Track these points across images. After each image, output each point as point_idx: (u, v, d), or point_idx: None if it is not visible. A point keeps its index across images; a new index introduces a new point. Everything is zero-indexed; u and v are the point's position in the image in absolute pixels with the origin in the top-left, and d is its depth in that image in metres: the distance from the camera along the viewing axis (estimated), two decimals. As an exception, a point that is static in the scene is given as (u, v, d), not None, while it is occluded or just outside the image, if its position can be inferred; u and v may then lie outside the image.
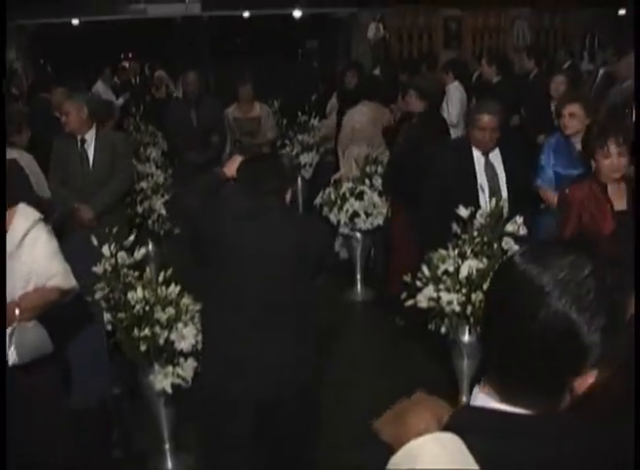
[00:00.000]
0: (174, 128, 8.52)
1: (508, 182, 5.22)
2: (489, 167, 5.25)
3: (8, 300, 3.44)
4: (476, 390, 1.47)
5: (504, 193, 5.18)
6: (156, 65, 15.31)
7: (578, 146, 5.17)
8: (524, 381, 1.37)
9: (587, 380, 1.35)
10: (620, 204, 4.28)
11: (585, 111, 5.44)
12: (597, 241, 4.20)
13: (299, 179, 9.70)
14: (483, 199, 5.11)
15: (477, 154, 5.26)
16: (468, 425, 1.39)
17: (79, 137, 5.94)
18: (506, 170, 5.23)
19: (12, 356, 3.41)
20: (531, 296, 1.32)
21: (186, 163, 8.14)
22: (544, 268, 1.33)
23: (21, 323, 3.45)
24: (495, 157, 5.27)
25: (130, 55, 17.12)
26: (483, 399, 1.44)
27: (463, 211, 4.77)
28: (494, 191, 5.17)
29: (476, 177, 5.23)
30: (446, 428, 1.40)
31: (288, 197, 3.75)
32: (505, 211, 4.88)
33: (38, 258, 3.55)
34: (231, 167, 3.90)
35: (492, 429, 1.38)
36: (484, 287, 4.45)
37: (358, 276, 7.49)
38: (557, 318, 1.29)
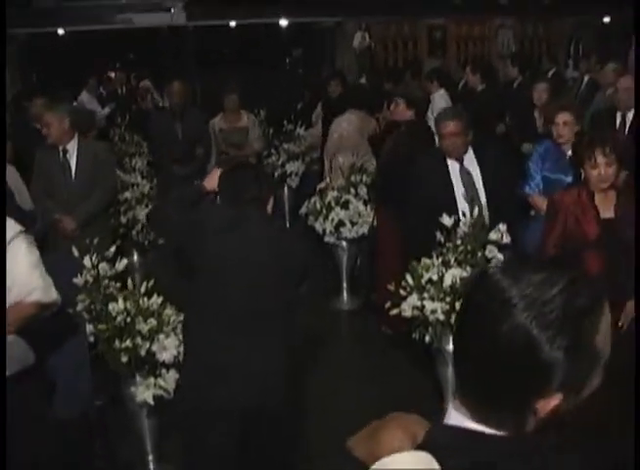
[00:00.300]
0: (159, 139, 8.27)
1: (485, 186, 5.23)
2: (464, 173, 5.27)
3: None
4: (450, 406, 1.45)
5: (482, 198, 5.20)
6: (141, 75, 15.27)
7: (569, 152, 5.23)
8: (490, 398, 1.36)
9: (550, 402, 1.32)
10: (608, 211, 4.30)
11: (575, 119, 5.50)
12: (580, 249, 4.21)
13: (286, 188, 9.68)
14: (463, 205, 5.13)
15: (451, 161, 5.29)
16: (440, 444, 1.38)
17: (61, 148, 5.91)
18: (482, 174, 5.25)
19: None
20: (498, 307, 1.31)
21: (171, 174, 7.94)
22: (515, 281, 1.32)
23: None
24: (470, 162, 5.29)
25: (116, 65, 17.06)
26: (456, 417, 1.42)
27: (446, 220, 4.78)
28: (472, 197, 5.18)
29: (452, 184, 5.25)
30: (420, 447, 1.39)
31: (270, 206, 3.72)
32: (486, 217, 4.90)
33: (18, 273, 3.50)
34: (211, 181, 3.89)
35: (464, 448, 1.36)
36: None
37: (344, 285, 7.48)
38: (519, 332, 1.28)
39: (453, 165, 5.29)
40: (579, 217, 4.30)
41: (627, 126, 6.55)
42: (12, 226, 3.60)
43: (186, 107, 8.24)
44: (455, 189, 5.25)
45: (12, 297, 3.48)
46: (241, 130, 8.73)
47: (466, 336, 1.39)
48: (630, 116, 6.54)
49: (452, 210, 5.01)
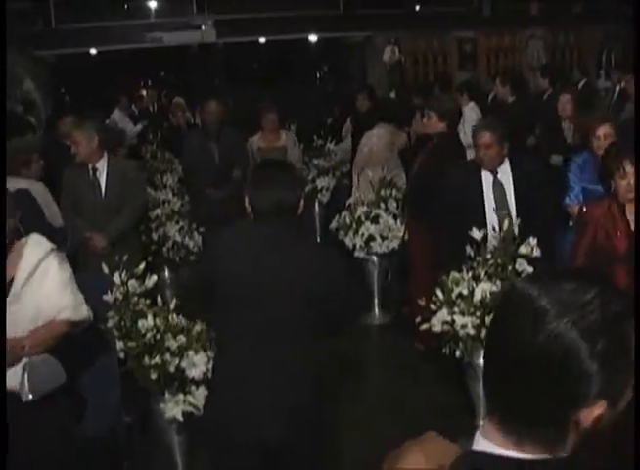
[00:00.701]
0: (193, 161, 7.66)
1: (516, 201, 5.19)
2: (497, 185, 5.24)
3: (18, 333, 3.43)
4: (477, 433, 1.41)
5: (513, 212, 5.16)
6: (173, 92, 15.42)
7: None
8: (527, 415, 1.31)
9: (594, 412, 1.28)
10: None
11: (614, 130, 5.48)
12: (609, 263, 4.15)
13: (317, 203, 9.68)
14: (492, 218, 5.09)
15: (485, 173, 5.26)
16: None
17: (90, 166, 5.94)
18: (515, 187, 5.20)
19: (25, 394, 3.40)
20: (531, 318, 1.28)
21: (204, 197, 7.48)
22: (545, 290, 1.30)
23: (32, 358, 3.44)
24: (504, 174, 5.26)
25: (148, 82, 17.26)
26: (485, 443, 1.37)
27: (476, 234, 4.74)
28: (502, 210, 5.14)
29: (483, 196, 5.22)
30: None
31: (300, 209, 3.51)
32: (516, 230, 4.85)
33: (49, 291, 3.53)
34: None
35: None
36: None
37: (375, 300, 7.44)
38: (556, 340, 1.25)
39: (487, 178, 5.27)
40: (609, 231, 4.24)
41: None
42: (43, 244, 3.63)
43: (222, 126, 7.62)
44: (486, 202, 5.22)
45: (41, 316, 3.51)
46: (279, 149, 8.49)
47: (497, 351, 1.35)
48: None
49: (482, 222, 4.98)
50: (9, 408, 3.32)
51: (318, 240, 9.39)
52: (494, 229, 4.92)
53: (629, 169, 4.15)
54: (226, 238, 3.57)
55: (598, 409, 1.27)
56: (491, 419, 1.38)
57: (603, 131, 5.47)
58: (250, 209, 3.41)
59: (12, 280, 3.47)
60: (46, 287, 3.51)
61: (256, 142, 8.48)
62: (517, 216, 5.07)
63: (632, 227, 4.20)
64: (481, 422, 5.00)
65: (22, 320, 3.44)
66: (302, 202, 3.45)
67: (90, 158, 5.91)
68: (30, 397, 3.39)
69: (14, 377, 3.40)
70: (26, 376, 3.38)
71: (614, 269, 4.14)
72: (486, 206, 5.21)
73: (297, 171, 3.82)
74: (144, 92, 15.26)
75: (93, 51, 15.81)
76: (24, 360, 3.41)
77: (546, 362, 1.26)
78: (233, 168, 7.50)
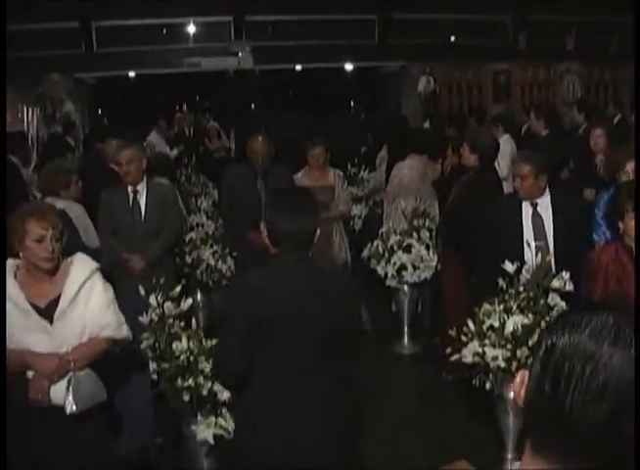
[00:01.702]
0: (235, 198, 6.89)
1: (555, 233, 5.19)
2: (537, 218, 5.25)
3: (62, 349, 3.54)
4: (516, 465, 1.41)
5: (551, 244, 5.16)
6: (209, 116, 15.61)
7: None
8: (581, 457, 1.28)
9: None
10: None
11: None
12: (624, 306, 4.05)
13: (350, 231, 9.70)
14: (530, 251, 5.10)
15: (525, 205, 5.28)
16: None
17: (131, 188, 6.02)
18: (554, 221, 5.21)
19: (69, 406, 3.49)
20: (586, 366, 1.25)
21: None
22: (589, 334, 1.28)
23: (76, 373, 3.54)
24: (544, 208, 5.26)
25: (184, 106, 17.46)
26: None
27: (509, 266, 4.75)
28: (540, 241, 5.16)
29: (522, 228, 5.23)
30: None
31: (316, 237, 3.41)
32: (553, 264, 4.86)
33: (94, 309, 3.66)
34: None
35: None
36: (530, 343, 4.42)
37: (405, 329, 7.46)
38: (620, 384, 1.23)
39: (527, 209, 5.29)
40: (620, 276, 4.15)
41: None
42: (89, 263, 3.75)
43: (270, 163, 6.97)
44: (525, 233, 5.23)
45: (86, 333, 3.61)
46: (326, 190, 7.47)
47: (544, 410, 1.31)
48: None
49: (519, 253, 5.00)
50: (53, 423, 3.41)
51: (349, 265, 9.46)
52: (531, 261, 4.92)
53: None
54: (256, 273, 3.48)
55: None
56: (531, 454, 1.36)
57: (631, 167, 5.42)
58: (267, 240, 3.40)
59: (58, 297, 3.59)
60: (92, 305, 3.63)
61: (300, 180, 7.50)
62: (554, 249, 5.08)
63: None
64: (510, 455, 4.99)
65: (68, 336, 3.56)
66: (319, 230, 3.42)
67: (137, 179, 6.00)
68: (74, 408, 3.48)
69: (59, 391, 3.50)
70: (71, 389, 3.48)
71: None
72: (524, 237, 5.22)
73: (314, 200, 3.69)
74: (180, 116, 15.43)
75: (132, 74, 16.03)
76: (69, 374, 3.51)
77: (611, 412, 1.23)
78: None
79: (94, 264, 3.74)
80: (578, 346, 1.27)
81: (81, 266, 3.70)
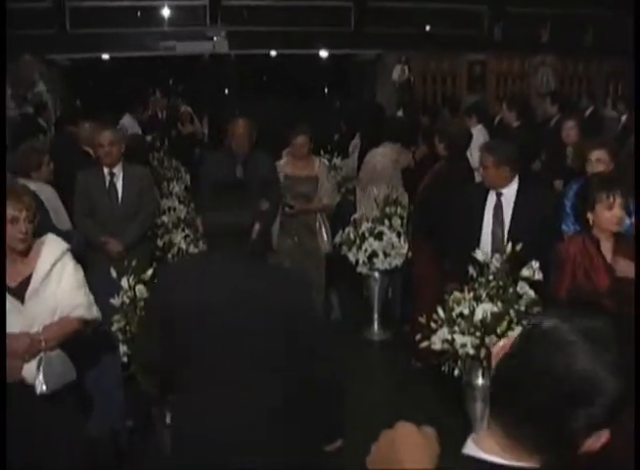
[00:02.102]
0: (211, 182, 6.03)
1: (512, 223, 5.24)
2: (498, 207, 5.31)
3: (33, 329, 3.54)
4: (470, 440, 1.49)
5: (505, 233, 5.23)
6: (182, 101, 15.52)
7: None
8: (531, 441, 1.37)
9: (599, 440, 1.34)
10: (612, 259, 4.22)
11: (610, 156, 5.50)
12: (593, 300, 4.13)
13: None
14: (484, 242, 5.21)
15: (490, 194, 5.33)
16: None
17: (107, 171, 6.00)
18: (514, 211, 5.26)
19: (40, 385, 3.49)
20: (562, 354, 1.33)
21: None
22: (575, 327, 1.35)
23: (47, 353, 3.54)
24: (507, 197, 5.30)
25: (157, 90, 17.35)
26: (475, 449, 1.45)
27: (479, 255, 4.80)
28: (496, 233, 5.25)
29: (483, 216, 5.30)
30: None
31: (254, 236, 3.16)
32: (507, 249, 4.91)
33: (65, 289, 3.67)
34: None
35: None
36: (498, 331, 4.47)
37: (375, 316, 7.51)
38: (583, 376, 1.31)
39: (491, 199, 5.34)
40: (587, 267, 4.20)
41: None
42: (60, 243, 3.75)
43: (251, 149, 6.74)
44: (485, 221, 5.29)
45: (57, 313, 3.61)
46: (310, 180, 7.17)
47: (518, 379, 1.39)
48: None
49: (479, 243, 5.10)
50: (22, 402, 3.41)
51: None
52: (491, 250, 4.98)
53: (618, 200, 4.14)
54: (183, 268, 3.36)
55: (603, 438, 1.33)
56: (488, 428, 1.45)
57: (596, 156, 5.50)
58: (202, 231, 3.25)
59: (30, 277, 3.59)
60: (63, 284, 3.64)
61: (283, 168, 7.20)
62: (508, 238, 5.10)
63: (609, 262, 4.19)
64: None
65: (39, 315, 3.57)
66: (257, 225, 3.15)
67: (114, 162, 5.97)
68: (44, 388, 3.49)
69: (29, 371, 3.50)
70: (41, 369, 3.48)
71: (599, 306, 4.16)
72: (484, 226, 5.28)
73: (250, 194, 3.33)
74: (154, 100, 15.34)
75: (105, 56, 15.91)
76: (40, 354, 3.51)
77: (565, 395, 1.31)
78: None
79: (65, 245, 3.75)
80: (556, 333, 1.35)
81: (53, 247, 3.70)
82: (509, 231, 5.21)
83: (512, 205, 5.26)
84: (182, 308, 3.02)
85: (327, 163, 7.66)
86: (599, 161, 5.47)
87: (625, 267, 4.13)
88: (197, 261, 3.38)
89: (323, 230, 7.34)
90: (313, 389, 3.13)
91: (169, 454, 3.32)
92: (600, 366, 1.30)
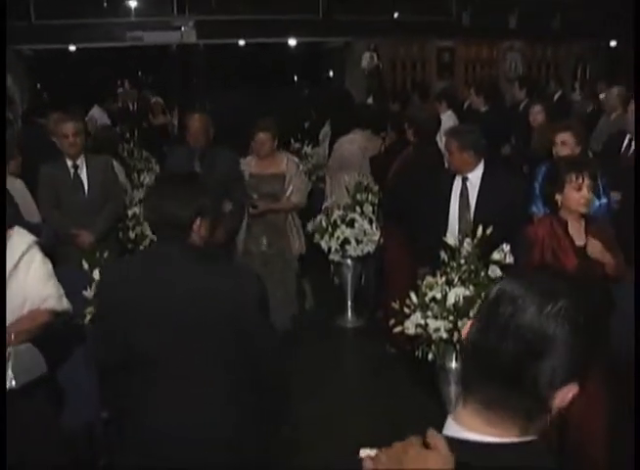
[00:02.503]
0: None
1: (476, 207, 5.27)
2: (464, 192, 5.34)
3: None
4: (449, 418, 1.51)
5: (471, 218, 5.25)
6: (153, 92, 15.40)
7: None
8: (502, 401, 1.41)
9: (568, 394, 1.40)
10: (580, 239, 4.27)
11: (576, 139, 5.52)
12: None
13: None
14: (451, 226, 5.26)
15: (457, 179, 5.36)
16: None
17: (71, 163, 5.95)
18: (479, 195, 5.29)
19: (9, 380, 3.45)
20: (513, 312, 1.39)
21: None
22: (526, 287, 1.42)
23: (15, 347, 3.50)
24: (472, 182, 5.33)
25: (126, 81, 17.22)
26: (456, 428, 1.47)
27: (450, 239, 4.82)
28: (462, 216, 5.29)
29: (450, 201, 5.32)
30: None
31: (197, 233, 3.00)
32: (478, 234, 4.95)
33: (33, 281, 3.62)
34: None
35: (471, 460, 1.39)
36: (471, 314, 4.49)
37: (349, 303, 7.52)
38: (537, 331, 1.36)
39: (457, 184, 5.36)
40: (555, 249, 4.25)
41: (632, 150, 6.59)
42: (26, 236, 3.71)
43: (209, 144, 6.52)
44: (451, 207, 5.33)
45: (26, 306, 3.58)
46: (277, 177, 6.70)
47: (479, 342, 1.45)
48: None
49: (447, 228, 5.18)
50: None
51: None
52: (459, 235, 5.00)
53: (587, 181, 4.17)
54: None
55: (571, 391, 1.40)
56: (465, 406, 1.47)
57: (561, 138, 5.53)
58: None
59: None
60: (31, 277, 3.60)
61: (247, 165, 6.81)
62: (475, 222, 5.09)
63: (578, 243, 4.24)
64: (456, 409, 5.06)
65: (7, 309, 3.51)
66: (199, 220, 2.97)
67: (78, 154, 5.93)
68: (13, 384, 3.44)
69: None
70: (10, 364, 3.44)
71: None
72: (451, 211, 5.32)
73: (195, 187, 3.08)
74: (122, 91, 15.22)
75: (72, 48, 15.75)
76: (9, 349, 3.47)
77: (524, 351, 1.37)
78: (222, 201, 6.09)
79: (32, 238, 3.71)
80: (507, 291, 1.42)
81: (20, 239, 3.66)
82: (475, 215, 5.23)
83: (477, 189, 5.29)
84: (125, 306, 2.94)
85: (297, 160, 7.07)
86: (564, 143, 5.51)
87: (595, 248, 4.17)
88: (140, 258, 3.28)
89: (294, 231, 6.99)
90: (262, 385, 3.10)
91: (122, 447, 3.24)
92: (551, 318, 1.36)
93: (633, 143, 6.54)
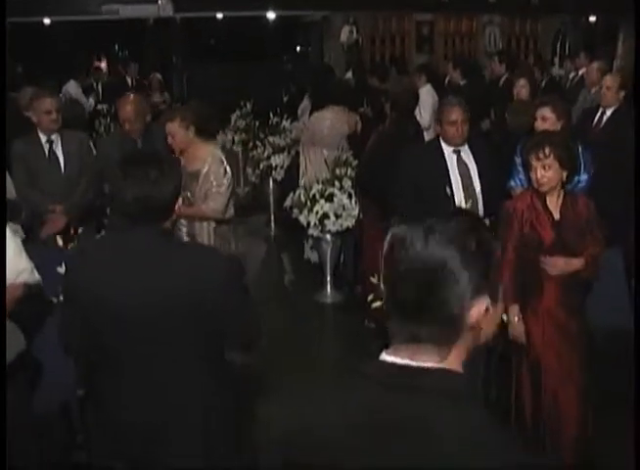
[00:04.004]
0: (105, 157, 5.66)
1: (480, 177, 5.26)
2: (462, 164, 5.29)
3: None
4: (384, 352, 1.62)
5: (477, 188, 5.24)
6: (129, 66, 15.23)
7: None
8: (422, 333, 1.54)
9: (480, 308, 1.54)
10: (557, 213, 4.27)
11: (556, 114, 5.51)
12: (537, 253, 4.25)
13: (271, 181, 9.68)
14: (457, 196, 5.16)
15: (447, 151, 5.30)
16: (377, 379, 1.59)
17: (45, 139, 5.86)
18: (478, 166, 5.28)
19: None
20: (401, 250, 1.55)
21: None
22: (407, 226, 1.58)
23: None
24: (466, 153, 5.32)
25: (103, 55, 17.06)
26: (388, 357, 1.60)
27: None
28: (467, 188, 5.22)
29: (448, 175, 5.27)
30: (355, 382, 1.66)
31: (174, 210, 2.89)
32: (481, 209, 4.94)
33: (8, 255, 3.58)
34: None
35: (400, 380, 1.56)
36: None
37: (328, 278, 7.49)
38: (423, 259, 1.51)
39: (450, 156, 5.31)
40: (534, 222, 4.26)
41: (603, 122, 6.62)
42: None
43: (148, 123, 5.98)
44: (452, 179, 5.28)
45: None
46: (193, 176, 5.37)
47: (396, 275, 1.57)
48: (608, 113, 6.60)
49: (448, 201, 5.05)
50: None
51: (272, 220, 9.52)
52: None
53: (548, 160, 4.12)
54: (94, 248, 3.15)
55: (482, 305, 1.54)
56: (393, 342, 1.60)
57: (541, 114, 5.50)
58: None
59: None
60: (5, 252, 3.56)
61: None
62: (482, 195, 5.14)
63: (556, 217, 4.25)
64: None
65: None
66: (179, 201, 2.91)
67: (52, 129, 5.83)
68: None
69: None
70: None
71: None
72: (453, 184, 5.26)
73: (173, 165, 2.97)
74: (100, 65, 15.06)
75: (47, 21, 15.53)
76: None
77: (426, 282, 1.52)
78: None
79: None
80: (399, 234, 1.57)
81: None
82: (481, 188, 5.24)
83: (473, 162, 5.29)
84: (91, 292, 2.81)
85: (223, 157, 5.53)
86: (544, 119, 5.50)
87: (557, 266, 4.23)
88: (111, 242, 3.13)
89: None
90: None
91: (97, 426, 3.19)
92: (437, 247, 1.51)
93: (605, 117, 6.58)
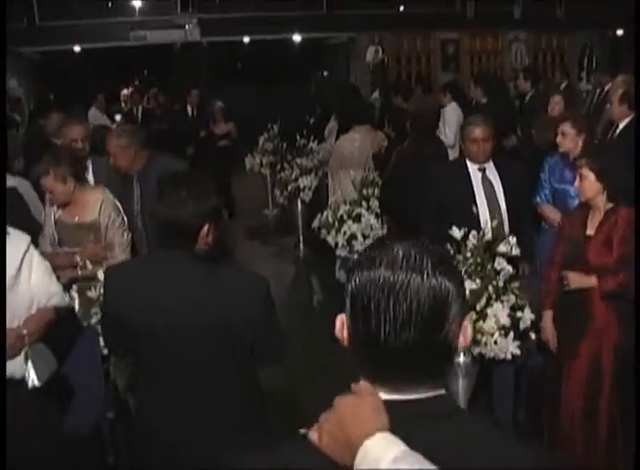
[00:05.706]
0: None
1: (506, 196, 5.25)
2: (487, 182, 5.28)
3: (14, 324, 3.49)
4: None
5: (503, 206, 5.23)
6: (159, 91, 15.36)
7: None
8: (413, 378, 1.47)
9: (467, 330, 1.48)
10: (592, 229, 4.25)
11: (576, 129, 5.49)
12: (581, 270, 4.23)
13: (299, 202, 9.70)
14: (483, 215, 5.15)
15: (472, 169, 5.29)
16: None
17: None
18: (503, 184, 5.27)
19: (31, 380, 3.47)
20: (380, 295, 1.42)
21: None
22: (384, 266, 1.44)
23: (32, 346, 3.51)
24: (491, 171, 5.30)
25: (130, 82, 17.22)
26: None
27: (456, 232, 4.77)
28: (493, 206, 5.21)
29: (474, 194, 5.26)
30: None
31: (204, 239, 2.90)
32: (506, 227, 4.93)
33: (38, 279, 3.64)
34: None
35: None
36: (478, 307, 4.46)
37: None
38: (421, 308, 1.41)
39: (475, 174, 5.30)
40: (573, 235, 4.31)
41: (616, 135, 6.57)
42: (23, 236, 3.70)
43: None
44: (477, 198, 5.28)
45: (34, 305, 3.58)
46: (80, 228, 4.86)
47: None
48: (621, 126, 6.56)
49: (471, 219, 5.04)
50: (11, 398, 3.37)
51: (301, 241, 9.53)
52: (481, 226, 4.96)
53: (585, 172, 4.15)
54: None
55: (467, 320, 1.49)
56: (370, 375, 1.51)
57: (562, 129, 5.52)
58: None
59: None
60: (34, 275, 3.62)
61: (50, 212, 4.97)
62: (507, 213, 5.15)
63: (588, 232, 4.22)
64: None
65: (17, 310, 3.52)
66: (207, 226, 2.87)
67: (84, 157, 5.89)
68: (36, 382, 3.47)
69: (18, 366, 3.47)
70: (30, 362, 3.46)
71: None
72: (477, 202, 5.26)
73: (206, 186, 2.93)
74: (128, 91, 15.21)
75: (77, 49, 15.76)
76: (25, 348, 3.48)
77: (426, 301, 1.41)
78: None
79: (27, 237, 3.71)
80: (377, 280, 1.42)
81: (17, 240, 3.65)
82: (506, 206, 5.23)
83: (499, 179, 5.28)
84: (129, 311, 2.87)
85: (117, 202, 4.92)
86: (564, 134, 5.50)
87: (574, 282, 4.22)
88: (145, 265, 3.20)
89: None
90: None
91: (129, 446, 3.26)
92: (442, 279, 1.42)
93: (618, 130, 6.54)
